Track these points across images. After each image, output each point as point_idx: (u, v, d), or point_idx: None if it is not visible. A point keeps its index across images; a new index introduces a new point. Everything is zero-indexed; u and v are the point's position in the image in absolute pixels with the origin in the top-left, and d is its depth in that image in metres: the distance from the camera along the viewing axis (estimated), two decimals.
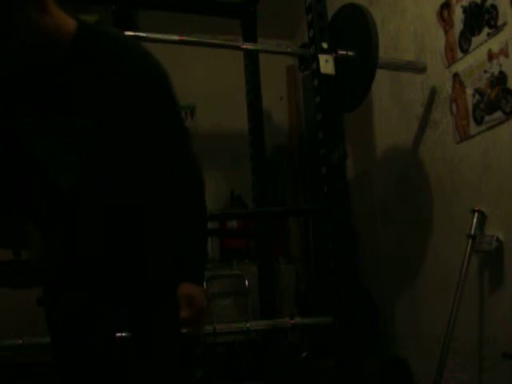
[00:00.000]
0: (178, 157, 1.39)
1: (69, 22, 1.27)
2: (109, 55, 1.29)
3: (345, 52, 2.43)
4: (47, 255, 1.39)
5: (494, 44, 2.01)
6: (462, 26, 2.19)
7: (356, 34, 2.39)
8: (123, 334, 1.36)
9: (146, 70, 1.32)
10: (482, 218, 2.06)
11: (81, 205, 1.36)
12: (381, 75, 2.54)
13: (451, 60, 2.26)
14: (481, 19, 2.07)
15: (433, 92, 2.42)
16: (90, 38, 1.29)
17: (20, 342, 2.04)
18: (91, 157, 1.32)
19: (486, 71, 2.05)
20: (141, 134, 1.34)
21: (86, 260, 1.37)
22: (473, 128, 2.15)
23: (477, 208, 2.07)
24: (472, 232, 2.05)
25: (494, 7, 2.00)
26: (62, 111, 1.29)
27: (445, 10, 2.30)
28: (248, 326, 2.25)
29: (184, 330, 1.31)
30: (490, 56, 2.03)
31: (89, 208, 1.36)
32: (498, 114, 2.00)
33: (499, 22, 1.98)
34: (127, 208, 1.37)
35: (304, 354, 3.02)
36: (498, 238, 1.97)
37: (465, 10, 2.16)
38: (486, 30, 2.05)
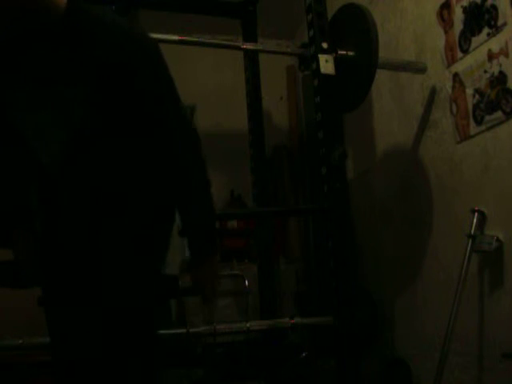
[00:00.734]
0: (176, 132, 1.36)
1: None
2: (100, 30, 1.27)
3: (345, 52, 2.43)
4: (31, 253, 1.37)
5: (494, 44, 2.01)
6: (462, 26, 2.19)
7: (356, 34, 2.39)
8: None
9: (139, 45, 1.31)
10: (482, 217, 2.06)
11: (65, 184, 1.31)
12: (381, 75, 2.54)
13: (451, 60, 2.26)
14: (481, 19, 2.07)
15: (433, 92, 2.42)
16: (82, 11, 1.28)
17: (20, 342, 2.03)
18: (80, 129, 1.28)
19: (486, 71, 2.05)
20: (134, 108, 1.31)
21: (72, 254, 1.31)
22: (473, 128, 2.15)
23: (477, 208, 2.07)
24: (472, 232, 2.05)
25: (494, 7, 2.00)
26: (51, 82, 1.27)
27: (445, 10, 2.30)
28: (248, 325, 2.25)
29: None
30: (490, 56, 2.03)
31: (75, 188, 1.31)
32: (498, 114, 2.00)
33: (499, 22, 1.98)
34: (117, 188, 1.32)
35: (304, 354, 3.01)
36: (498, 238, 1.97)
37: (465, 10, 2.16)
38: (486, 30, 2.05)
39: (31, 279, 1.43)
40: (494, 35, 2.01)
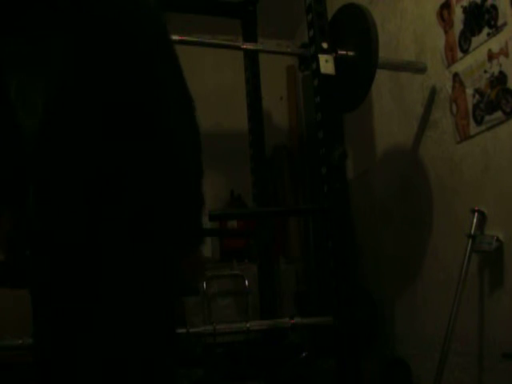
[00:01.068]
0: (176, 112, 1.28)
1: None
2: None
3: (345, 52, 2.43)
4: (14, 243, 1.29)
5: (494, 44, 2.01)
6: (462, 26, 2.19)
7: (356, 34, 2.39)
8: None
9: (143, 11, 1.24)
10: (482, 217, 2.06)
11: (47, 158, 1.17)
12: (381, 75, 2.54)
13: (451, 60, 2.26)
14: (481, 19, 2.07)
15: (433, 92, 2.42)
16: None
17: (20, 342, 2.03)
18: (62, 86, 1.16)
19: (486, 71, 2.05)
20: (131, 79, 1.20)
21: (67, 247, 1.19)
22: (473, 128, 2.15)
23: (477, 208, 2.07)
24: (472, 232, 2.05)
25: (494, 7, 2.00)
26: (41, 37, 1.18)
27: (445, 10, 2.30)
28: (248, 325, 2.25)
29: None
30: (490, 56, 2.03)
31: (58, 163, 1.17)
32: (498, 114, 2.00)
33: (499, 22, 1.98)
34: (111, 167, 1.19)
35: (304, 354, 3.02)
36: (498, 238, 1.97)
37: (465, 10, 2.16)
38: (486, 30, 2.05)
39: (24, 276, 1.36)
40: (494, 35, 2.01)
